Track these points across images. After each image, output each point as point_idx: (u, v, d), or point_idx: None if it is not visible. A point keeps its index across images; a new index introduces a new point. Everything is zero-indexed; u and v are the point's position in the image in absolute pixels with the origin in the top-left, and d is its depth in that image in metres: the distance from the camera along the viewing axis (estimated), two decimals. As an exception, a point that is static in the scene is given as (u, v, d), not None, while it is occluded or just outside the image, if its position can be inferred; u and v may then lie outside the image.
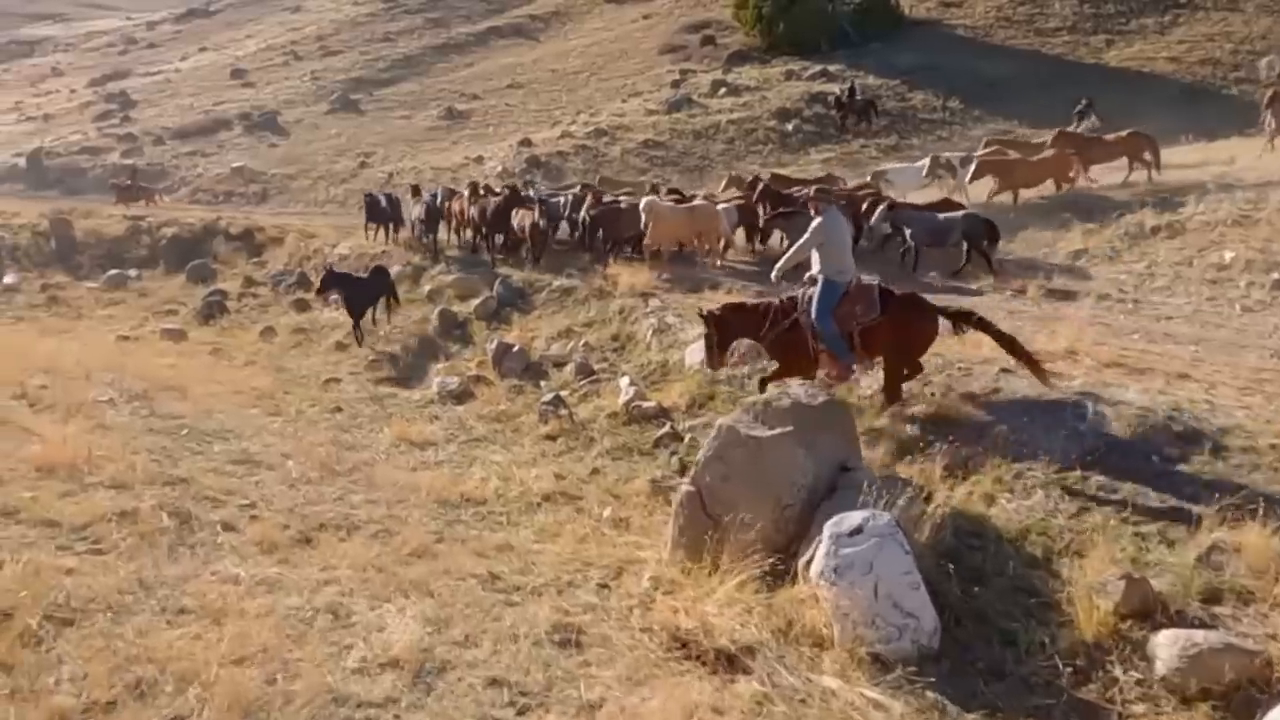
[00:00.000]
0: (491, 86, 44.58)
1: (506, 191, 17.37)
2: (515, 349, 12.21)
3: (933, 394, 7.76)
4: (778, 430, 5.73)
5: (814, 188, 16.00)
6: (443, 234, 18.64)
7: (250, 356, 14.27)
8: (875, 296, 7.70)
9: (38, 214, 25.44)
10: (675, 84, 36.31)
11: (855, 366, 8.11)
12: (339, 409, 10.93)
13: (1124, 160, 19.49)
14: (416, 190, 19.80)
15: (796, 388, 6.27)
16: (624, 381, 10.43)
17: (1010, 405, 7.24)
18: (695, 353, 10.59)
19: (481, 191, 18.16)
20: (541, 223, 15.64)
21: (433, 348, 14.03)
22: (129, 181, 29.78)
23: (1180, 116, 27.21)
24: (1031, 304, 12.45)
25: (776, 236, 15.70)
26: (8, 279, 22.25)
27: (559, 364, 11.93)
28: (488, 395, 11.27)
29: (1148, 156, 19.16)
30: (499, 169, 30.04)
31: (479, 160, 31.95)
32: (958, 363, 8.11)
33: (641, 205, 14.58)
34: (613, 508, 7.45)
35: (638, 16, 51.15)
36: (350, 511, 6.90)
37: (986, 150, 20.41)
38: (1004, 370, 7.74)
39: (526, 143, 31.62)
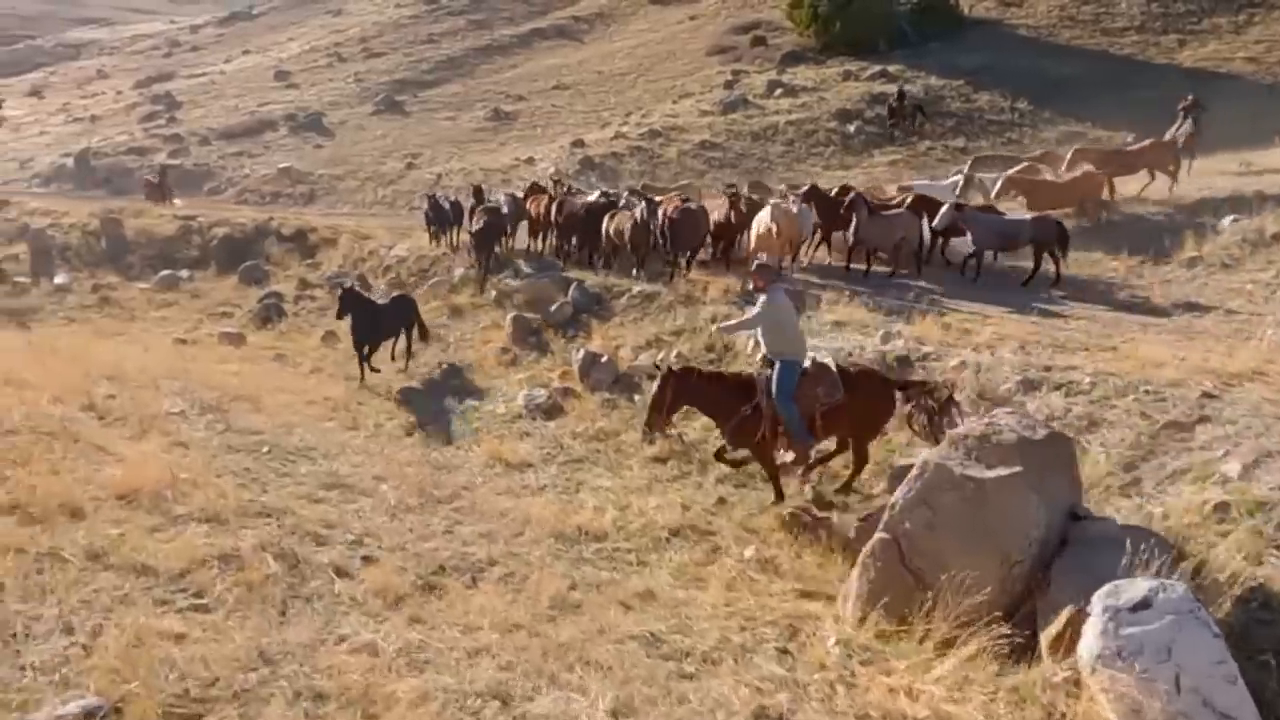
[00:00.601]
0: (537, 87, 43.93)
1: (599, 195, 16.33)
2: (604, 359, 11.36)
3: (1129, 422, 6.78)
4: (1002, 471, 4.81)
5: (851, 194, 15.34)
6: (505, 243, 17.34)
7: (315, 363, 13.55)
8: (836, 377, 7.57)
9: (87, 213, 25.02)
10: (729, 84, 35.41)
11: (813, 450, 7.93)
12: (418, 423, 10.12)
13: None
14: (479, 192, 18.76)
15: (1008, 417, 5.29)
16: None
17: (1230, 436, 6.25)
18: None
19: (565, 191, 16.99)
20: (649, 225, 14.03)
21: (507, 356, 13.19)
22: (158, 180, 28.81)
23: (1270, 117, 25.99)
24: (1163, 318, 11.41)
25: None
26: (59, 279, 21.80)
27: (652, 375, 11.05)
28: (579, 410, 10.43)
29: (1171, 167, 18.11)
30: (551, 170, 29.26)
31: (529, 161, 31.22)
32: (1143, 386, 7.11)
33: (770, 212, 13.38)
34: (755, 547, 6.55)
35: (683, 18, 50.37)
36: (466, 550, 6.07)
37: (1019, 168, 19.26)
38: (1207, 395, 6.74)
39: (579, 144, 30.84)
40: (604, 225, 14.75)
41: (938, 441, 5.93)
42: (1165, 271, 14.62)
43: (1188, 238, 15.28)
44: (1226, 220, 15.66)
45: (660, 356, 11.57)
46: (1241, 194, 16.72)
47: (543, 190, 17.65)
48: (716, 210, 14.38)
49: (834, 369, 7.63)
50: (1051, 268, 13.65)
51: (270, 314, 17.53)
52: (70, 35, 76.03)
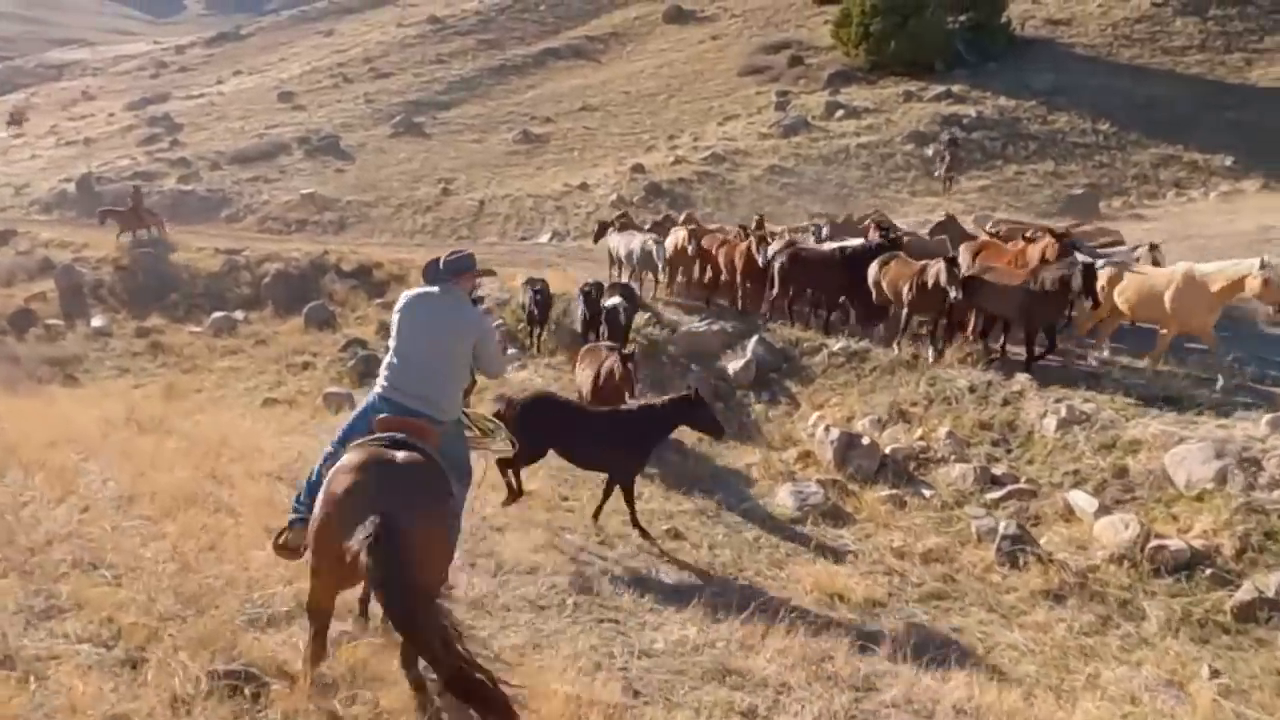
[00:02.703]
0: (563, 109, 42.09)
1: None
2: (865, 441, 9.30)
3: None
4: None
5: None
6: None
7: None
8: None
9: (114, 246, 22.57)
10: (780, 105, 33.69)
11: None
12: (672, 526, 7.99)
13: None
14: (625, 223, 16.16)
15: None
16: (1080, 499, 7.55)
17: None
18: (1178, 462, 7.75)
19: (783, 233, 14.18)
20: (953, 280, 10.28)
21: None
22: (127, 207, 23.28)
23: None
24: None
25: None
26: (96, 321, 19.40)
27: (927, 461, 9.03)
28: (868, 512, 8.34)
29: None
30: (613, 197, 27.34)
31: (583, 187, 29.24)
32: None
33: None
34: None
35: (704, 37, 48.97)
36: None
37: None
38: None
39: (639, 169, 28.87)
40: (875, 276, 11.61)
41: None
42: None
43: None
44: None
45: (922, 435, 9.56)
46: None
47: (710, 231, 15.00)
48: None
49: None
50: None
51: (370, 368, 15.21)
52: (51, 56, 73.00)
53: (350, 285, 20.25)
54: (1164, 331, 9.68)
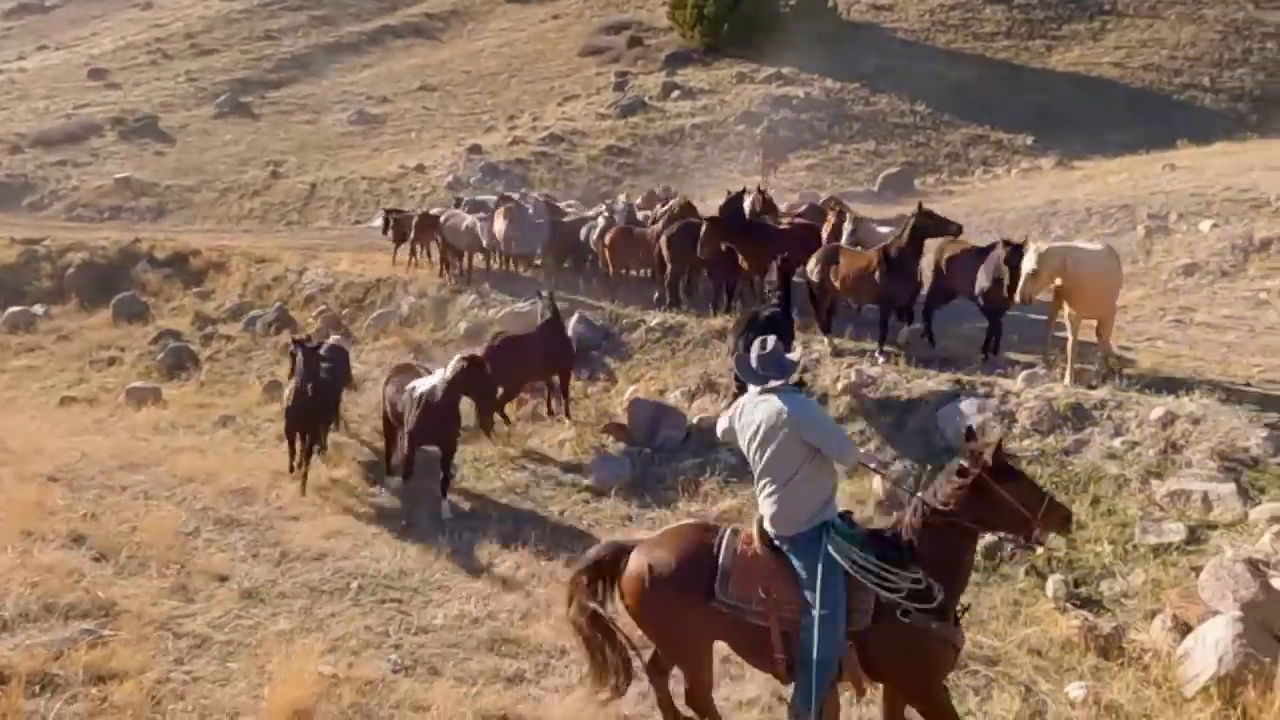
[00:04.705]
0: (401, 89, 41.02)
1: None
2: (672, 410, 9.60)
3: None
4: None
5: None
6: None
7: (278, 428, 10.98)
8: None
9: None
10: (619, 86, 33.93)
11: None
12: (479, 504, 8.05)
13: None
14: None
15: None
16: (862, 455, 8.06)
17: None
18: (948, 418, 8.41)
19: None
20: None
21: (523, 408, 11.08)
22: None
23: (1146, 122, 27.22)
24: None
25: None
26: None
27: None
28: (671, 480, 8.61)
29: None
30: (449, 178, 26.90)
31: (420, 169, 28.61)
32: None
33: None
34: None
35: (546, 17, 48.61)
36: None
37: None
38: None
39: (476, 149, 28.49)
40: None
41: None
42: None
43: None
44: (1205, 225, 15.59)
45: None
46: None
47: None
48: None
49: None
50: None
51: (180, 360, 14.51)
52: None
53: (165, 275, 19.16)
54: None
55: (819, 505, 4.35)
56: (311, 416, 8.47)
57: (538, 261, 15.28)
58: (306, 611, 5.36)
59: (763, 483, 4.42)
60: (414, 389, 7.91)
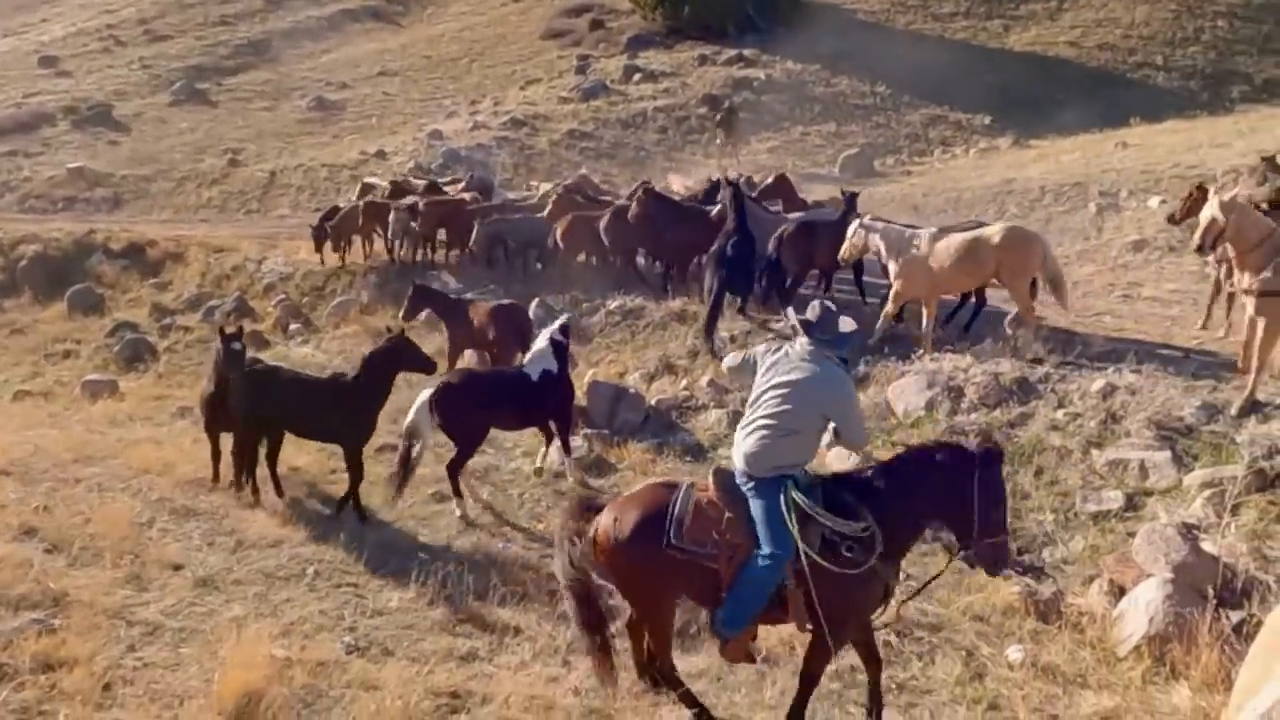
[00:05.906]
0: (361, 74, 40.53)
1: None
2: (631, 393, 9.70)
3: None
4: None
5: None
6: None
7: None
8: None
9: None
10: (581, 70, 33.81)
11: None
12: (438, 490, 8.11)
13: None
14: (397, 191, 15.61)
15: None
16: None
17: None
18: (898, 395, 8.58)
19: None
20: None
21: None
22: None
23: (1101, 101, 27.61)
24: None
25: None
26: None
27: (688, 409, 9.53)
28: (631, 460, 8.73)
29: None
30: (410, 164, 26.70)
31: (380, 155, 28.39)
32: None
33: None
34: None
35: (507, 0, 48.20)
36: None
37: None
38: None
39: (437, 135, 28.30)
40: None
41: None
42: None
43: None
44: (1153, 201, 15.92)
45: (687, 386, 10.08)
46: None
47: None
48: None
49: None
50: None
51: (138, 352, 14.37)
52: None
53: (121, 266, 18.94)
54: None
55: (795, 462, 4.50)
56: (229, 415, 7.70)
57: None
58: (261, 597, 5.41)
59: (759, 422, 4.49)
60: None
